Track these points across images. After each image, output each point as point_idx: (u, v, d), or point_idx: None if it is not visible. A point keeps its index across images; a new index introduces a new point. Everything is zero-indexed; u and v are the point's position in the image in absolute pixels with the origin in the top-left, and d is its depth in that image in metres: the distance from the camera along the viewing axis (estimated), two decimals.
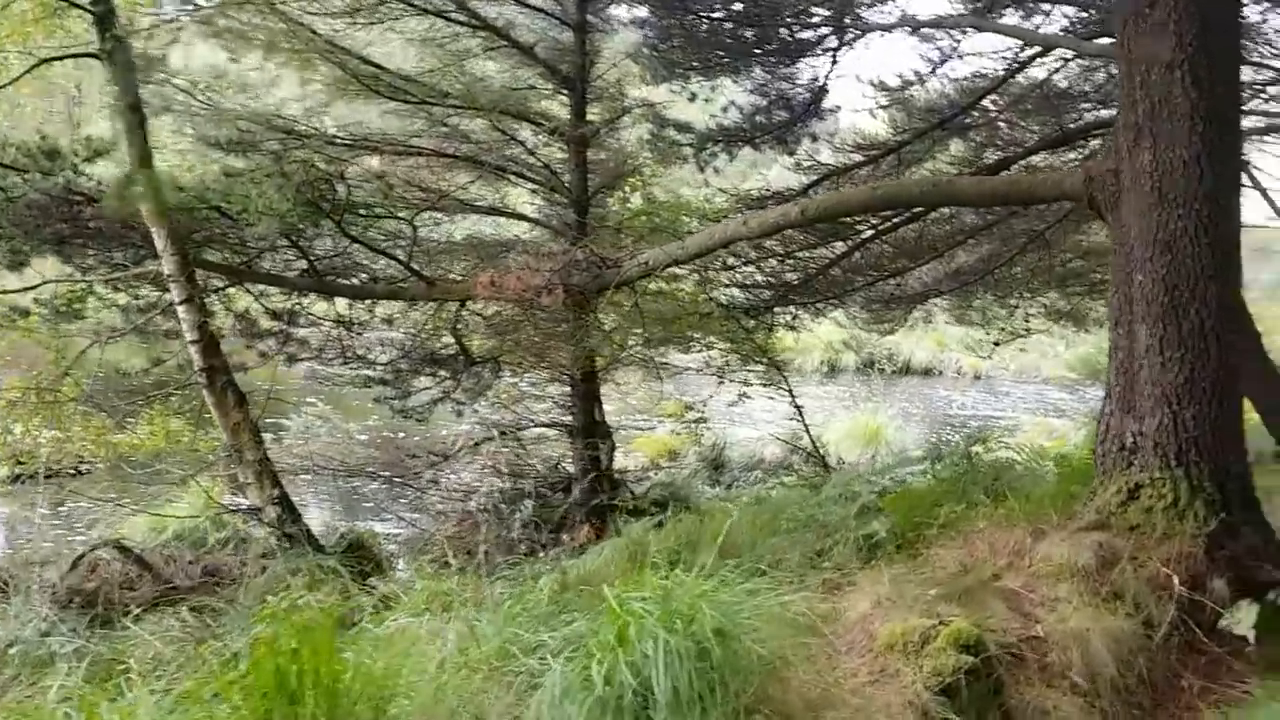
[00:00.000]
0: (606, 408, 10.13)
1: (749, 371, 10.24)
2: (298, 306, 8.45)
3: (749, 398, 10.28)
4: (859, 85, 9.58)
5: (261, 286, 8.28)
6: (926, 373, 23.95)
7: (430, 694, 3.11)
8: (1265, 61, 8.56)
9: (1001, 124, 9.35)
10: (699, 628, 2.97)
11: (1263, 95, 9.08)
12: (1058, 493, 5.06)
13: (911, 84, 8.97)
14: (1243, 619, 3.88)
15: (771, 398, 10.61)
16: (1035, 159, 8.92)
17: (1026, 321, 12.52)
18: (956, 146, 9.53)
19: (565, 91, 9.03)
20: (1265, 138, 9.58)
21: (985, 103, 8.99)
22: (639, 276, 6.63)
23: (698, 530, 5.71)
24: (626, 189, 9.53)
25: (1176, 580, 3.99)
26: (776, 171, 15.45)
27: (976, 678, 3.25)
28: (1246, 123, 8.88)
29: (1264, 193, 10.40)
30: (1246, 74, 8.44)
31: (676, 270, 8.72)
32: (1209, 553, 4.14)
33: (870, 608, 3.83)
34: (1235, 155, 4.61)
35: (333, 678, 2.94)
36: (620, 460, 10.83)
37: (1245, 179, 9.82)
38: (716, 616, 3.02)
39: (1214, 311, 4.29)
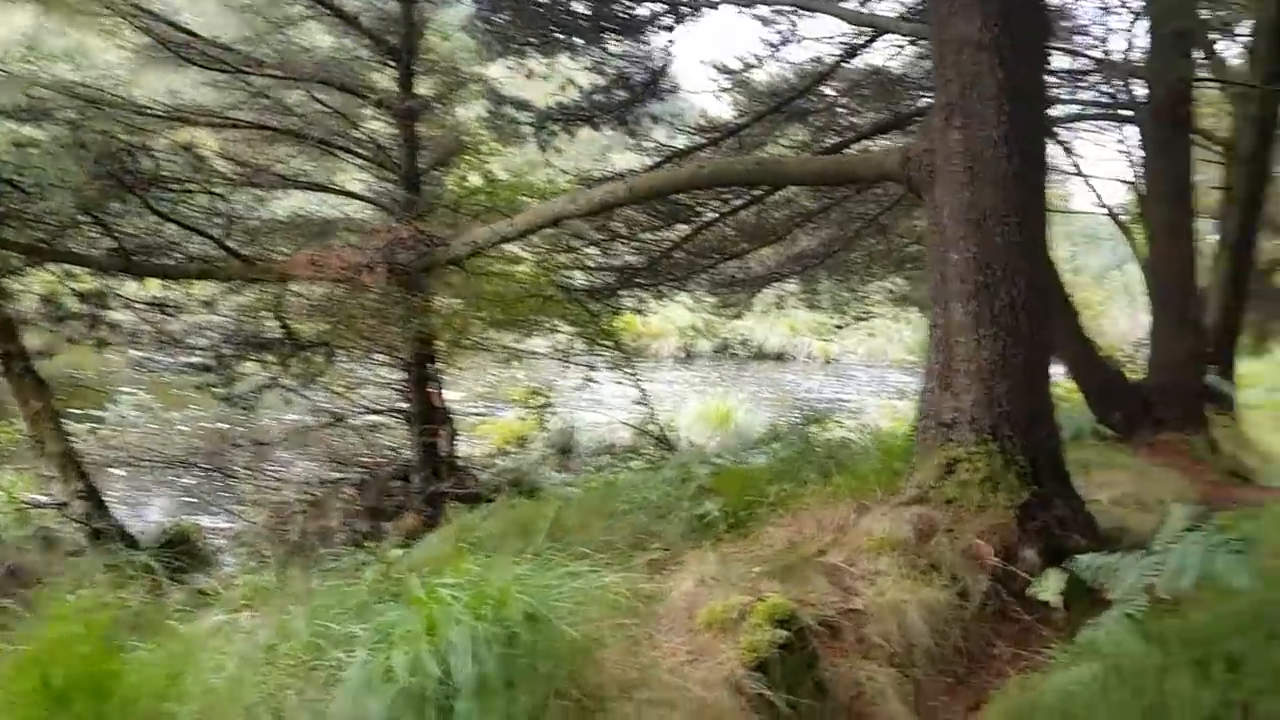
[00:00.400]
0: (453, 393, 9.88)
1: (596, 356, 10.17)
2: (106, 288, 7.89)
3: (596, 382, 10.21)
4: (703, 68, 9.58)
5: (67, 266, 7.69)
6: (779, 358, 24.50)
7: (227, 692, 2.91)
8: (1082, 51, 8.94)
9: (840, 108, 9.50)
10: (510, 613, 2.85)
11: (1082, 83, 9.49)
12: (884, 469, 5.14)
13: (751, 66, 9.00)
14: (1050, 586, 3.98)
15: (621, 382, 10.59)
16: (871, 143, 9.10)
17: (868, 305, 12.90)
18: (797, 131, 9.64)
19: (392, 63, 8.69)
20: (1085, 124, 10.07)
21: (824, 88, 9.11)
22: (467, 255, 6.46)
23: (533, 516, 5.61)
24: (464, 167, 9.24)
25: (990, 551, 4.09)
26: (629, 156, 15.42)
27: (790, 652, 3.23)
28: (1065, 110, 9.30)
29: (1087, 180, 10.96)
30: (1065, 63, 8.83)
31: (518, 252, 8.55)
32: (1021, 524, 4.26)
33: (694, 587, 3.79)
34: (1040, 135, 4.75)
35: (106, 679, 2.79)
36: (466, 447, 10.60)
37: (1070, 166, 10.31)
38: (528, 600, 2.91)
39: (1024, 289, 4.40)
